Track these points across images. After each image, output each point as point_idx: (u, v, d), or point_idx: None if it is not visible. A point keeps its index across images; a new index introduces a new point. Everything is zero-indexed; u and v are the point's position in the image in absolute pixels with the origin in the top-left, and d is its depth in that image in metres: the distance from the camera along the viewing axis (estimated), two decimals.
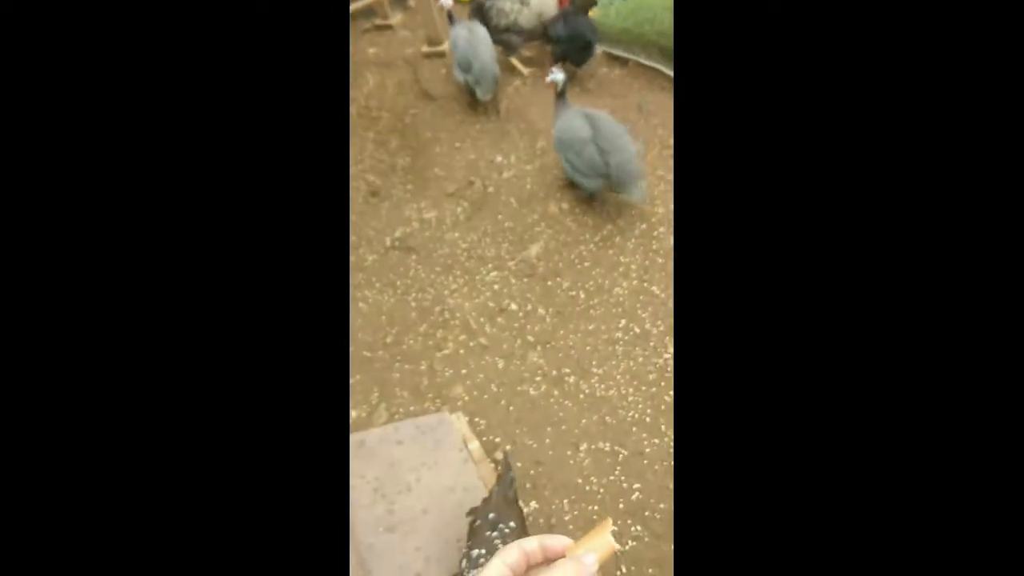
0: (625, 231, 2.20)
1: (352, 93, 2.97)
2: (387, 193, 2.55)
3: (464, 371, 1.85)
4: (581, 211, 2.30)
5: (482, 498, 1.24)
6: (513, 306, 2.02)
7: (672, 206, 2.23)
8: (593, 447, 1.62)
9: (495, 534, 1.05)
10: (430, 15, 3.08)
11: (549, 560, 0.44)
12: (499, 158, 2.59)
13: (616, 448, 1.61)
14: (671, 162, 2.41)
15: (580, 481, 1.55)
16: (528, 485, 1.55)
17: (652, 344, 1.84)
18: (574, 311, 1.98)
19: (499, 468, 1.36)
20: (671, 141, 2.50)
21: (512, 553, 0.43)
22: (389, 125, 2.88)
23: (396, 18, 3.56)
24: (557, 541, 0.45)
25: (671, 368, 1.77)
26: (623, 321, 1.92)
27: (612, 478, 1.54)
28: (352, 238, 2.34)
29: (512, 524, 1.06)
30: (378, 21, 3.54)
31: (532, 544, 0.44)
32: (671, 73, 2.76)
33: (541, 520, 1.48)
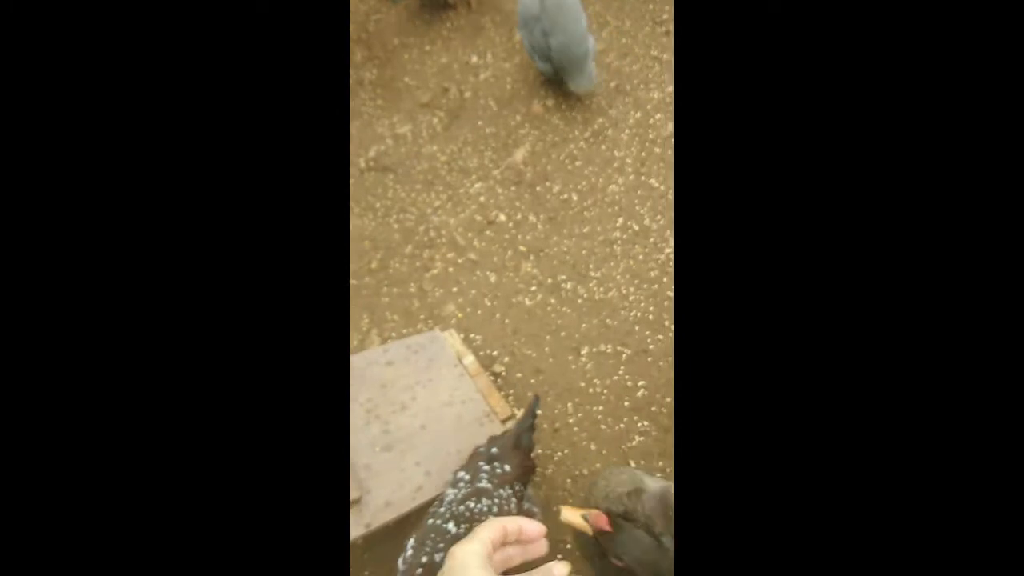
0: (618, 123, 2.00)
1: None
2: (356, 111, 2.35)
3: (455, 289, 1.76)
4: (568, 107, 2.09)
5: (500, 432, 1.18)
6: (502, 217, 1.89)
7: (670, 89, 2.02)
8: (594, 350, 1.55)
9: (486, 467, 0.99)
10: None
11: (521, 542, 0.51)
12: (474, 58, 2.35)
13: (619, 348, 1.53)
14: (664, 40, 2.15)
15: (583, 384, 1.49)
16: (529, 394, 1.50)
17: (652, 240, 1.71)
18: (567, 215, 1.84)
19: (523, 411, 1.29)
20: (665, 16, 2.22)
21: (494, 528, 0.47)
22: (352, 36, 2.61)
23: None
24: (533, 527, 0.51)
25: (673, 262, 1.65)
26: (620, 219, 1.78)
27: (616, 378, 1.48)
28: None
29: (507, 468, 1.00)
30: None
31: (512, 524, 0.49)
32: None
33: (545, 425, 1.44)
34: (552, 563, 0.46)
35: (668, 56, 2.10)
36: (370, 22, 2.63)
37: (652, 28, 2.22)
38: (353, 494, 1.13)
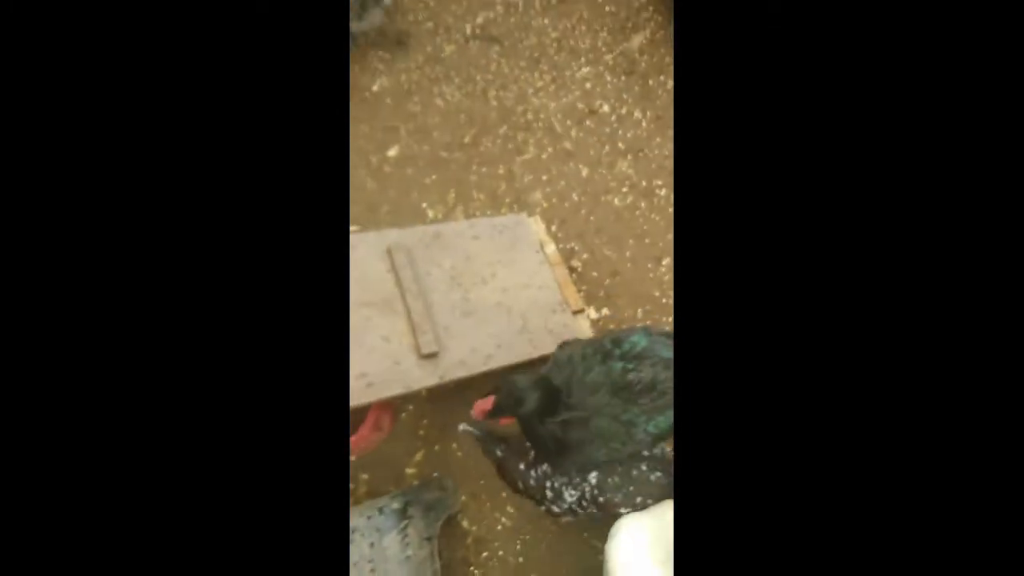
0: None
1: None
2: None
3: (545, 177, 1.73)
4: None
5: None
6: (605, 107, 1.78)
7: None
8: None
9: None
10: None
11: None
12: None
13: None
14: None
15: (658, 294, 1.49)
16: (602, 294, 1.52)
17: None
18: None
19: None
20: None
21: None
22: None
23: None
24: None
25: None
26: None
27: None
28: (429, 25, 2.09)
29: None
30: None
31: None
32: None
33: (612, 325, 1.47)
34: None
35: None
36: None
37: None
38: (431, 348, 1.24)
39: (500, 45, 1.98)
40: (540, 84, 1.88)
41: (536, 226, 1.56)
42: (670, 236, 1.55)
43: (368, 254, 1.32)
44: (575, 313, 1.40)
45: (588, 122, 1.78)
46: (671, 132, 1.68)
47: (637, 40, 1.85)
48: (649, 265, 1.54)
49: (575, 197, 1.68)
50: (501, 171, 1.78)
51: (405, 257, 1.34)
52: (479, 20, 2.05)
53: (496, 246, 1.46)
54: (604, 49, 1.87)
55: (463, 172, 1.81)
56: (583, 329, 1.40)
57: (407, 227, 1.40)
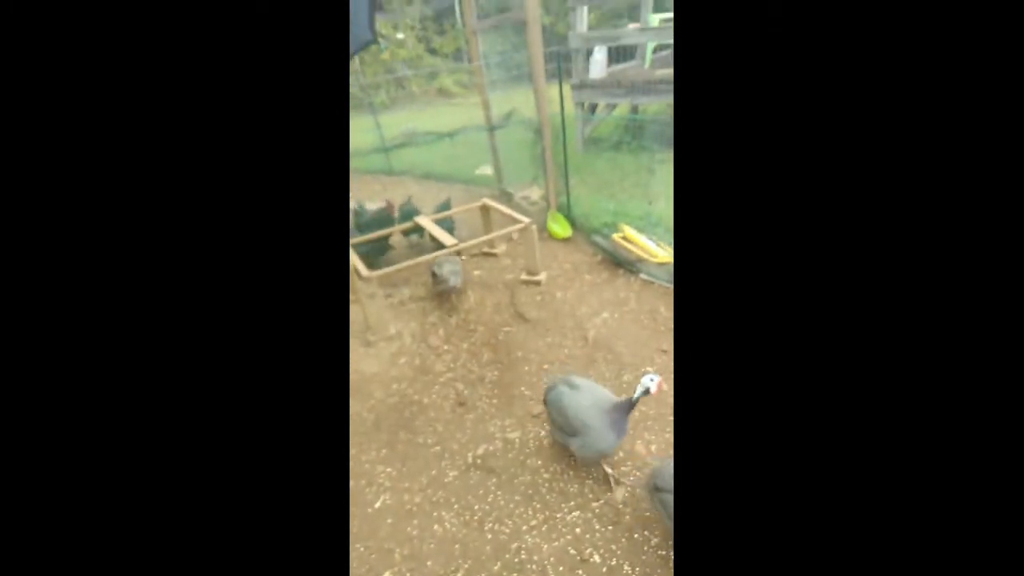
0: None
1: (458, 306, 3.34)
2: (473, 404, 2.65)
3: None
4: (671, 454, 2.25)
5: None
6: (596, 557, 1.87)
7: None
8: None
9: None
10: (532, 250, 3.58)
11: None
12: None
13: None
14: None
15: None
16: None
17: None
18: (665, 574, 1.79)
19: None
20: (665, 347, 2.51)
21: None
22: (483, 339, 3.14)
23: (501, 248, 4.17)
24: None
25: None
26: None
27: None
28: (436, 448, 2.39)
29: None
30: (486, 249, 4.15)
31: None
32: None
33: None
34: None
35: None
36: (501, 332, 3.18)
37: None
38: None
39: (498, 477, 2.22)
40: (534, 522, 2.02)
41: None
42: None
43: None
44: None
45: (580, 571, 1.83)
46: None
47: (620, 493, 2.11)
48: None
49: None
50: None
51: None
52: (479, 451, 2.35)
53: None
54: (591, 496, 2.11)
55: None
56: None
57: None
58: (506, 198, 4.83)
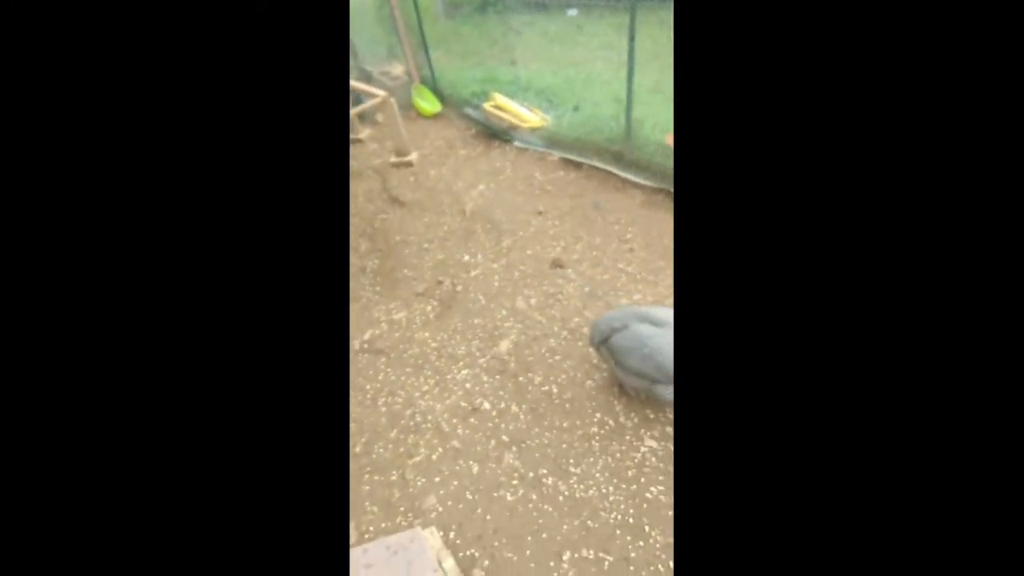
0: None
1: None
2: (356, 295, 2.57)
3: (438, 479, 1.77)
4: (549, 305, 2.36)
5: None
6: (486, 405, 1.99)
7: (636, 296, 2.32)
8: (576, 555, 1.53)
9: None
10: (397, 129, 3.32)
11: None
12: (466, 257, 2.68)
13: (600, 555, 1.52)
14: (629, 256, 2.54)
15: None
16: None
17: (628, 438, 1.82)
18: (548, 407, 1.96)
19: None
20: (628, 236, 2.65)
21: None
22: (359, 230, 2.97)
23: (365, 133, 3.82)
24: None
25: (650, 462, 1.74)
26: (598, 415, 1.91)
27: None
28: None
29: None
30: (351, 136, 3.79)
31: None
32: (623, 175, 3.00)
33: None
34: None
35: (632, 269, 2.46)
36: (376, 220, 3.03)
37: (618, 245, 2.63)
38: None
39: (387, 356, 2.23)
40: (426, 388, 2.08)
41: (432, 539, 1.52)
42: (565, 527, 1.60)
43: None
44: None
45: (472, 419, 1.95)
46: (546, 422, 1.90)
47: (504, 345, 2.21)
48: (551, 563, 1.52)
49: (469, 496, 1.71)
50: (394, 477, 1.79)
51: None
52: (366, 336, 2.32)
53: (391, 571, 1.38)
54: (478, 354, 2.19)
55: (355, 483, 1.78)
56: None
57: None
58: (365, 77, 4.35)
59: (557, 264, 2.56)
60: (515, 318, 2.32)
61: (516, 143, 3.51)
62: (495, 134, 3.62)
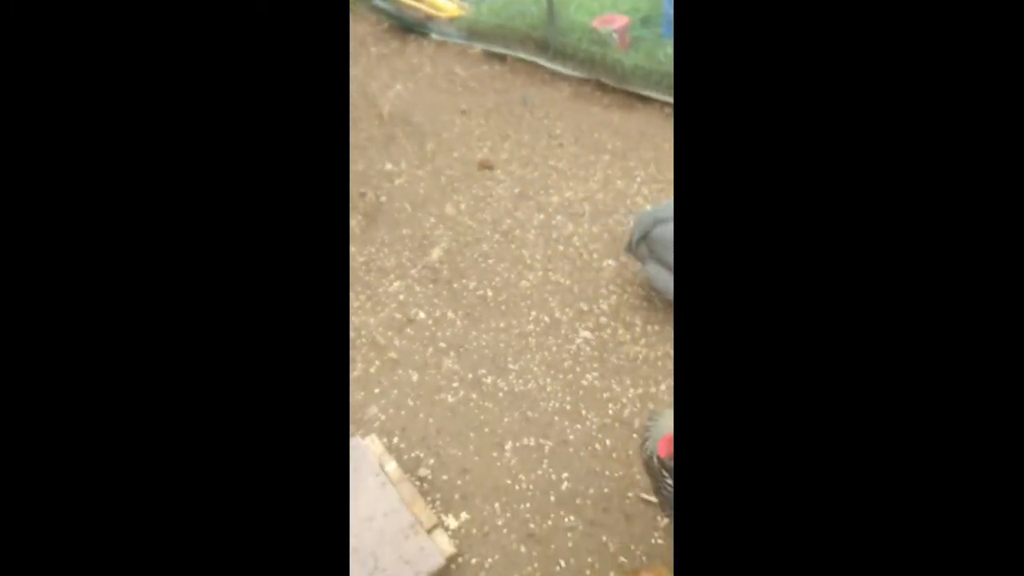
0: (524, 224, 2.19)
1: None
2: None
3: (377, 390, 1.74)
4: (479, 208, 2.26)
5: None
6: (421, 314, 1.94)
7: (568, 194, 2.26)
8: (518, 444, 1.58)
9: None
10: None
11: None
12: (389, 166, 2.49)
13: (541, 441, 1.58)
14: (559, 151, 2.45)
15: (509, 482, 1.51)
16: (457, 496, 1.48)
17: (563, 331, 1.84)
18: (484, 310, 1.94)
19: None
20: (558, 131, 2.54)
21: None
22: None
23: None
24: None
25: (584, 352, 1.78)
26: (533, 313, 1.91)
27: (540, 472, 1.51)
28: None
29: None
30: None
31: None
32: (550, 66, 2.81)
33: (474, 530, 1.42)
34: None
35: (563, 165, 2.38)
36: None
37: (548, 141, 2.51)
38: None
39: None
40: (357, 304, 1.99)
41: (373, 446, 1.52)
42: (506, 420, 1.64)
43: None
44: (430, 531, 1.32)
45: (408, 329, 1.90)
46: (483, 325, 1.89)
47: (436, 253, 2.13)
48: (494, 454, 1.57)
49: (410, 403, 1.71)
50: None
51: None
52: None
53: None
54: (409, 264, 2.10)
55: None
56: (442, 546, 1.32)
57: None
58: None
59: (485, 165, 2.43)
60: (445, 225, 2.22)
61: (434, 36, 3.18)
62: (410, 27, 3.26)
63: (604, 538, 1.38)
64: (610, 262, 2.01)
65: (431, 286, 2.03)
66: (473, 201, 2.29)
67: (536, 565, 1.36)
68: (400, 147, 2.57)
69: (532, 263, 2.05)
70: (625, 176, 2.30)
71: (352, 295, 2.02)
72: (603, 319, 1.86)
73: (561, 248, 2.08)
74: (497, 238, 2.15)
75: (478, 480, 1.51)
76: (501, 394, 1.70)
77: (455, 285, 2.02)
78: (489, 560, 1.37)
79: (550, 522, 1.42)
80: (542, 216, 2.20)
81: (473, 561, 1.37)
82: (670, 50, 2.49)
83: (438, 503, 1.47)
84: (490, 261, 2.08)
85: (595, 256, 2.04)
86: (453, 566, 1.35)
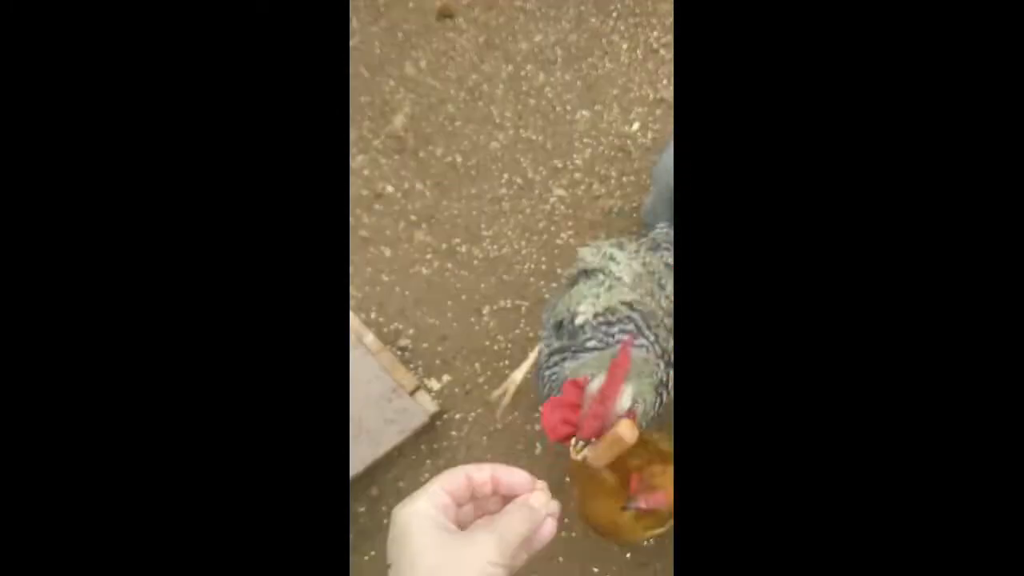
0: (492, 78, 1.98)
1: None
2: None
3: (351, 270, 1.71)
4: (441, 65, 2.04)
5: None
6: (389, 188, 1.84)
7: (538, 38, 2.01)
8: (495, 307, 1.58)
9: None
10: None
11: (501, 496, 0.40)
12: None
13: (517, 302, 1.58)
14: None
15: (488, 343, 1.53)
16: (438, 362, 1.52)
17: (537, 192, 1.74)
18: (454, 178, 1.83)
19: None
20: None
21: (455, 479, 0.38)
22: None
23: None
24: (513, 477, 0.39)
25: (559, 211, 1.70)
26: (505, 176, 1.80)
27: (518, 331, 1.53)
28: None
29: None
30: None
31: (482, 474, 0.39)
32: None
33: (456, 389, 1.47)
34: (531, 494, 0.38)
35: (531, 5, 2.08)
36: None
37: None
38: None
39: None
40: None
41: (351, 322, 1.52)
42: (483, 285, 1.62)
43: None
44: (412, 393, 1.37)
45: (377, 205, 1.82)
46: (454, 194, 1.79)
47: (399, 120, 1.96)
48: (472, 319, 1.58)
49: (385, 278, 1.69)
50: None
51: None
52: None
53: None
54: (371, 136, 1.95)
55: None
56: (425, 405, 1.37)
57: None
58: None
59: (445, 14, 2.14)
60: (406, 87, 2.02)
61: None
62: None
63: None
64: (584, 112, 1.84)
65: (396, 157, 1.90)
66: (434, 57, 2.06)
67: (518, 413, 1.42)
68: (351, 1, 2.26)
69: (502, 122, 1.89)
70: (600, 12, 2.02)
71: None
72: (577, 175, 1.75)
73: (532, 102, 1.90)
74: (463, 96, 1.96)
75: (458, 345, 1.54)
76: (476, 261, 1.67)
77: (421, 154, 1.89)
78: (472, 414, 1.44)
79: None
80: (510, 67, 1.98)
81: (457, 416, 1.44)
82: None
83: (420, 369, 1.51)
84: (457, 124, 1.92)
85: (568, 108, 1.87)
86: (438, 423, 1.42)
